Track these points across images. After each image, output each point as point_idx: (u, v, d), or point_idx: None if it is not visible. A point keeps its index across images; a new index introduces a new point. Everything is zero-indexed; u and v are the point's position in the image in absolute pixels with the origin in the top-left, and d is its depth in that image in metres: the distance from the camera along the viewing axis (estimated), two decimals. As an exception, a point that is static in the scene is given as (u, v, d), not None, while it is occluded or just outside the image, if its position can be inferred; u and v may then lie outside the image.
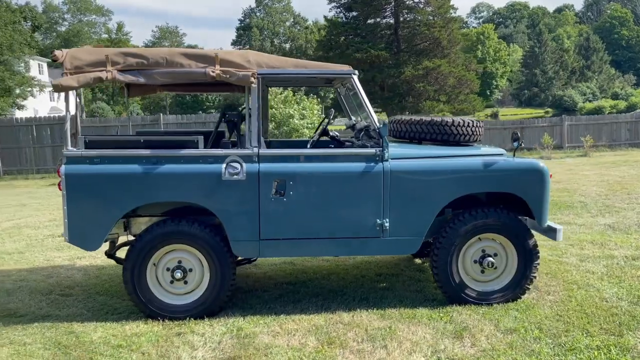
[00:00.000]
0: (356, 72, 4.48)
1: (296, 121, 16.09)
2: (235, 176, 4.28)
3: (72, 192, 4.23)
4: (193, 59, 4.29)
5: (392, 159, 4.44)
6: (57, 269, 6.00)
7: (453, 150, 4.66)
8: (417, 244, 4.47)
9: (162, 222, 4.40)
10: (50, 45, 70.61)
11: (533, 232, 4.62)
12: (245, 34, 71.83)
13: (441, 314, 4.38)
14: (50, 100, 47.76)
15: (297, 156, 4.41)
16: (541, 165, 4.46)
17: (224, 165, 4.28)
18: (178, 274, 4.38)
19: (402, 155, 4.50)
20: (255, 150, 4.32)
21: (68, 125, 4.24)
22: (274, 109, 16.32)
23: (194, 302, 4.43)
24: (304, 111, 16.59)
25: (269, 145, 4.87)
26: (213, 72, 4.23)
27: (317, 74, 4.53)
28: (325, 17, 40.35)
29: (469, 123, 4.84)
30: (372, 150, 4.39)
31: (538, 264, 4.61)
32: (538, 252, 4.58)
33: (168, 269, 4.42)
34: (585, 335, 3.95)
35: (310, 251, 4.57)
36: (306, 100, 17.34)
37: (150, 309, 4.38)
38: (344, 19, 38.31)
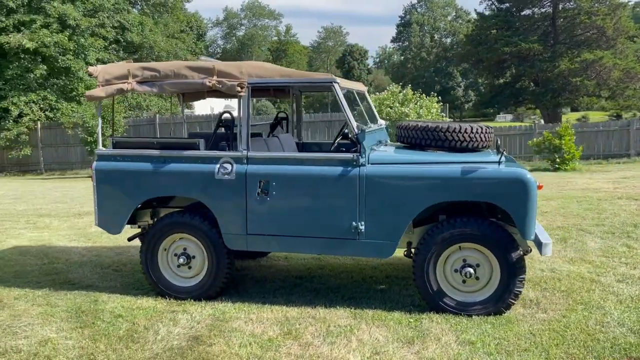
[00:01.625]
0: (337, 80, 4.67)
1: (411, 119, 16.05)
2: (226, 176, 4.76)
3: (100, 185, 5.07)
4: (195, 70, 4.85)
5: (371, 163, 4.57)
6: (129, 248, 7.03)
7: (441, 157, 4.63)
8: (392, 248, 4.54)
9: (171, 213, 5.06)
10: (230, 49, 77.86)
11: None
12: (405, 31, 71.73)
13: (412, 319, 4.42)
14: (226, 100, 51.96)
15: (280, 159, 4.76)
16: (525, 176, 4.24)
17: (217, 166, 4.79)
18: (182, 260, 5.01)
19: (380, 161, 4.60)
20: (245, 152, 4.76)
21: (99, 128, 5.09)
22: (389, 108, 16.48)
23: (195, 286, 5.02)
24: (420, 110, 16.48)
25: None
26: (210, 82, 4.75)
27: (299, 83, 4.82)
28: (475, 10, 38.94)
29: (466, 129, 4.74)
30: (350, 155, 4.57)
31: (523, 278, 4.39)
32: (523, 266, 4.37)
33: (176, 255, 5.06)
34: (541, 357, 3.75)
35: (291, 247, 4.88)
36: (425, 98, 17.18)
37: (160, 288, 5.07)
38: (495, 11, 36.61)
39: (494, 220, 4.43)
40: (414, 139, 4.93)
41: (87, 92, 5.02)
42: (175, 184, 4.92)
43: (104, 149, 5.11)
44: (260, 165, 4.75)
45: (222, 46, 79.79)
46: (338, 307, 4.72)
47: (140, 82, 4.96)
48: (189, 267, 5.05)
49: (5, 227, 8.84)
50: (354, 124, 4.57)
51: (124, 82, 4.95)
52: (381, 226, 4.55)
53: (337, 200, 4.60)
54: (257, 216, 4.77)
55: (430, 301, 4.55)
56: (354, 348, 3.97)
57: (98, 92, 4.97)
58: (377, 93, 18.11)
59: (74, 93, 22.25)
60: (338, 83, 4.66)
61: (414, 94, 17.28)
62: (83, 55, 22.42)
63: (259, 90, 5.38)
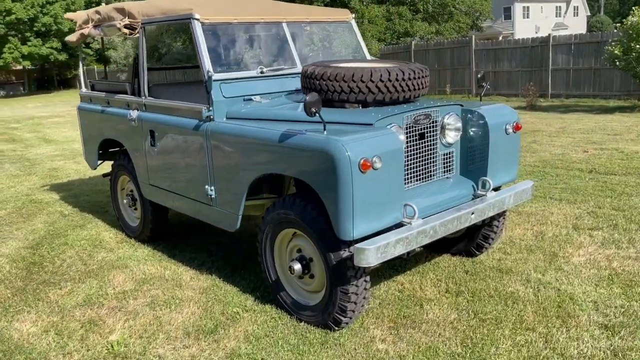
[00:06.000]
0: (197, 15, 3.89)
1: None
2: (132, 122, 4.65)
3: (81, 123, 5.58)
4: (119, 12, 4.72)
5: (228, 118, 3.81)
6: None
7: (294, 115, 3.53)
8: (235, 221, 3.77)
9: (117, 152, 5.22)
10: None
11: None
12: None
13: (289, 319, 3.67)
14: (556, 16, 45.84)
15: (161, 107, 4.35)
16: (335, 147, 2.90)
17: (130, 111, 4.70)
18: (127, 201, 5.23)
19: (234, 115, 3.78)
20: (143, 99, 4.53)
21: (81, 70, 5.52)
22: None
23: (135, 227, 5.19)
24: None
25: None
26: (119, 24, 4.59)
27: (163, 21, 4.19)
28: None
29: (344, 75, 3.44)
30: (199, 107, 3.88)
31: (347, 290, 3.13)
32: (349, 274, 3.11)
33: (127, 195, 5.28)
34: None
35: (174, 205, 4.47)
36: None
37: (121, 223, 5.40)
38: None
39: (317, 205, 3.21)
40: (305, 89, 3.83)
41: (66, 38, 5.45)
42: (110, 127, 5.06)
43: (84, 90, 5.54)
44: (151, 114, 4.46)
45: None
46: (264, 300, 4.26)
47: (94, 27, 5.11)
48: (135, 209, 5.21)
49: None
50: (206, 66, 3.81)
51: (85, 27, 5.19)
52: (225, 193, 3.82)
53: (194, 158, 4.03)
54: (152, 167, 4.57)
55: (272, 292, 3.70)
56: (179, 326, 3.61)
57: (71, 37, 5.35)
58: None
59: None
60: (198, 19, 3.91)
61: None
62: None
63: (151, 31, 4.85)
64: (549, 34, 16.99)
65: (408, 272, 4.13)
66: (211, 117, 3.80)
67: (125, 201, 5.27)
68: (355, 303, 3.21)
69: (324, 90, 3.52)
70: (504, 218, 4.23)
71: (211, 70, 3.78)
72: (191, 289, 4.06)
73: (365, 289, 3.24)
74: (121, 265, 4.58)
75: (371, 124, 3.23)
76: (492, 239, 4.20)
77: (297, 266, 3.36)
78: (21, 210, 6.43)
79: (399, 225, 3.20)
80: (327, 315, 3.28)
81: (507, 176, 3.92)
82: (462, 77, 18.82)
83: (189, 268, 4.45)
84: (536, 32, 35.78)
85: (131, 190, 5.18)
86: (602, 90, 15.74)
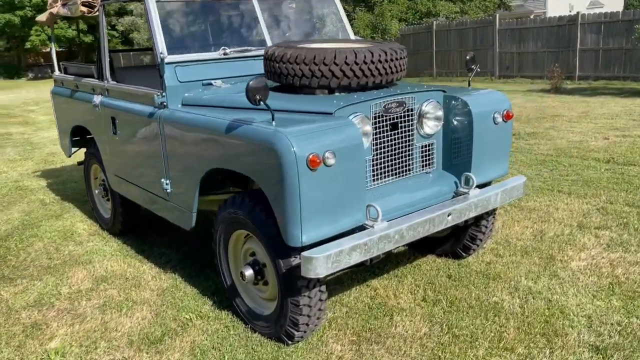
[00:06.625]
0: None
1: None
2: (97, 108, 4.34)
3: (55, 107, 5.30)
4: (83, -10, 4.39)
5: (184, 105, 3.46)
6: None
7: (283, 102, 3.14)
8: (190, 219, 3.43)
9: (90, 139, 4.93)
10: None
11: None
12: None
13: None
14: None
15: (120, 92, 4.02)
16: (279, 141, 2.51)
17: (95, 96, 4.39)
18: (98, 191, 4.96)
19: (190, 101, 3.42)
20: (105, 83, 4.21)
21: (53, 51, 5.23)
22: None
23: (107, 219, 4.91)
24: None
25: None
26: (79, 1, 4.27)
27: None
28: None
29: (305, 57, 3.04)
30: (152, 92, 3.54)
31: (297, 302, 2.78)
32: (300, 284, 2.75)
33: (99, 185, 5.00)
34: None
35: (137, 198, 4.15)
36: None
37: (94, 214, 5.14)
38: None
39: (267, 206, 2.83)
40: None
41: (37, 18, 5.16)
42: (78, 113, 4.77)
43: (57, 72, 5.25)
44: (113, 100, 4.14)
45: None
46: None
47: (62, 5, 4.80)
48: (107, 200, 4.93)
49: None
50: (159, 46, 3.45)
51: (55, 6, 4.88)
52: (179, 188, 3.49)
53: (151, 149, 3.70)
54: (115, 156, 4.27)
55: (229, 297, 3.36)
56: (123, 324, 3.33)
57: (41, 17, 5.05)
58: None
59: None
60: (150, -5, 3.53)
61: None
62: None
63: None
64: (577, 12, 16.10)
65: (385, 275, 3.75)
66: (164, 103, 3.45)
67: (97, 191, 5.00)
68: (309, 316, 2.85)
69: (284, 74, 3.13)
70: (493, 217, 3.80)
71: (164, 51, 3.42)
72: (149, 290, 3.76)
73: (320, 300, 2.88)
74: (85, 261, 4.31)
75: (330, 113, 2.83)
76: (481, 239, 3.78)
77: (249, 272, 3.01)
78: (4, 198, 6.23)
79: (362, 228, 2.82)
80: (280, 327, 2.93)
81: (495, 171, 3.48)
82: (485, 59, 18.05)
83: (153, 265, 4.16)
84: (570, 11, 34.31)
85: (103, 180, 4.89)
86: (633, 72, 14.87)
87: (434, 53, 19.91)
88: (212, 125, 2.99)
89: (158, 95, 3.45)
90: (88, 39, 36.85)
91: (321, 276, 2.55)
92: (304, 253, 2.54)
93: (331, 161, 2.56)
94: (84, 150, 5.13)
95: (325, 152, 2.54)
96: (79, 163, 5.38)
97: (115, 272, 4.07)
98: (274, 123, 2.64)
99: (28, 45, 34.76)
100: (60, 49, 39.55)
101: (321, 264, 2.52)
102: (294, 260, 2.72)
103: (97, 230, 4.97)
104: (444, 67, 19.71)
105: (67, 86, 4.94)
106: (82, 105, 4.59)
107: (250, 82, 2.59)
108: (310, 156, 2.49)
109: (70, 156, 5.41)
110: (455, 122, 3.36)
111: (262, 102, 2.62)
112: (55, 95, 5.22)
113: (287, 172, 2.49)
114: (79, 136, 5.13)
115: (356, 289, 3.57)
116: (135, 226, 4.74)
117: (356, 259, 2.65)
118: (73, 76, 4.81)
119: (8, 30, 33.74)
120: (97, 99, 4.28)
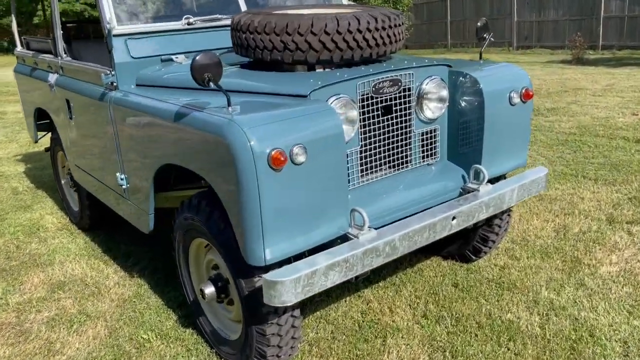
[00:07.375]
0: None
1: None
2: (52, 89, 3.80)
3: (19, 87, 4.78)
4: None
5: (139, 85, 2.91)
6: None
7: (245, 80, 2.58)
8: (147, 220, 2.90)
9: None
10: None
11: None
12: None
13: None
14: None
15: (76, 70, 3.46)
16: (232, 133, 1.95)
17: (50, 74, 3.85)
18: (65, 181, 4.48)
19: (146, 81, 2.87)
20: (59, 60, 3.66)
21: (14, 24, 4.67)
22: None
23: (75, 213, 4.42)
24: None
25: None
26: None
27: None
28: None
29: (275, 26, 2.46)
30: (100, 70, 2.98)
31: (263, 331, 2.25)
32: (266, 310, 2.22)
33: (66, 173, 4.50)
34: None
35: (97, 193, 3.62)
36: None
37: (65, 206, 4.66)
38: None
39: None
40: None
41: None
42: (38, 94, 4.23)
43: (19, 48, 4.70)
44: (67, 79, 3.59)
45: None
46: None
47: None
48: (75, 191, 4.43)
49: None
50: (106, 15, 2.87)
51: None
52: (134, 184, 2.95)
53: (104, 138, 3.15)
54: (72, 144, 3.74)
55: (193, 315, 2.85)
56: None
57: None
58: None
59: None
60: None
61: None
62: None
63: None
64: (602, -23, 15.12)
65: (380, 282, 3.20)
66: (114, 83, 2.89)
67: (64, 181, 4.50)
68: (279, 347, 2.33)
69: (251, 47, 2.55)
70: (509, 215, 3.22)
71: (112, 21, 2.85)
72: (109, 300, 3.27)
73: (293, 326, 2.35)
74: (45, 262, 3.82)
75: (304, 96, 2.26)
76: (493, 241, 3.21)
77: (210, 289, 2.48)
78: (-23, 185, 5.77)
79: (345, 238, 2.27)
80: (246, 358, 2.41)
81: (511, 162, 2.89)
82: (502, 28, 17.15)
83: (119, 268, 3.66)
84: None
85: (69, 170, 4.39)
86: (661, 41, 13.95)
87: (448, 23, 19.01)
88: (160, 112, 2.44)
89: (107, 74, 2.89)
90: (96, 12, 36.30)
91: (289, 304, 2.02)
92: (266, 276, 1.99)
93: (301, 158, 1.99)
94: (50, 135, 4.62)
95: (292, 147, 1.97)
96: (46, 149, 4.86)
97: (75, 277, 3.58)
98: (230, 109, 2.07)
99: (36, 20, 34.30)
100: (69, 24, 39.08)
101: (288, 289, 1.97)
102: (258, 282, 2.19)
103: (66, 225, 4.49)
104: (459, 37, 18.83)
105: (27, 64, 4.40)
106: (40, 85, 4.06)
107: (197, 57, 2.02)
108: (273, 152, 1.93)
109: (36, 142, 4.89)
110: (463, 104, 2.76)
111: (211, 83, 2.05)
112: (17, 74, 4.68)
113: (243, 173, 1.93)
114: (45, 119, 4.60)
115: (346, 301, 3.03)
116: (105, 221, 4.23)
117: (335, 279, 2.10)
118: (32, 52, 4.27)
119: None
120: (52, 78, 3.74)
